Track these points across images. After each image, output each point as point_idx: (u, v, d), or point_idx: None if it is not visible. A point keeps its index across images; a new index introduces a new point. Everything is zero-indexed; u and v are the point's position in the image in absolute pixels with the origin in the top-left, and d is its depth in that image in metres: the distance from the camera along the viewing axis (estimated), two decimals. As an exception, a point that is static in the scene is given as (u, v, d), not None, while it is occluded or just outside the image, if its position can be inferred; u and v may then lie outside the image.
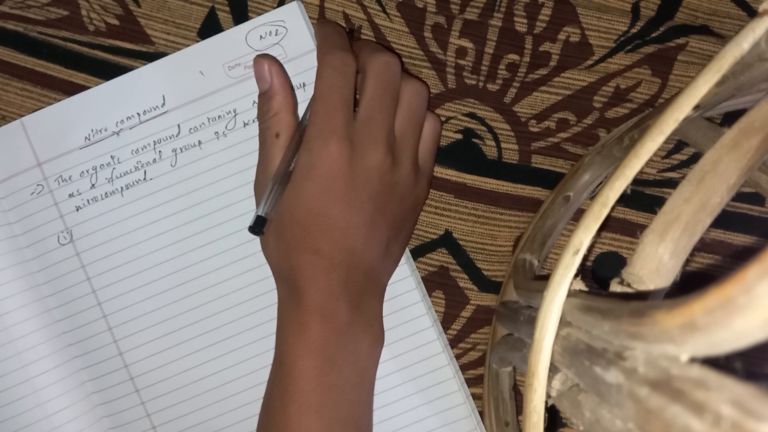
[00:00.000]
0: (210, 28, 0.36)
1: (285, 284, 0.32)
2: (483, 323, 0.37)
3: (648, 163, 0.25)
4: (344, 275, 0.31)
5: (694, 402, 0.12)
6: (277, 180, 0.31)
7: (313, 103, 0.31)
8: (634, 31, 0.37)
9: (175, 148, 0.35)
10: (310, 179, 0.30)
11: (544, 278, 0.23)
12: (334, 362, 0.30)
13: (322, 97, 0.31)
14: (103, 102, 0.35)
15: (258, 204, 0.32)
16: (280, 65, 0.33)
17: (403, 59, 0.36)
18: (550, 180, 0.37)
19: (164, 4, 0.36)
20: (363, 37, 0.36)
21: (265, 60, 0.33)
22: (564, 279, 0.19)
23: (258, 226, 0.31)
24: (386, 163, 0.31)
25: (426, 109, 0.34)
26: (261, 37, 0.35)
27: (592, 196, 0.35)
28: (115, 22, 0.36)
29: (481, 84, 0.36)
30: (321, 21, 0.35)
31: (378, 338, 0.33)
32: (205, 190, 0.35)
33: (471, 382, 0.36)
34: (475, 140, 0.37)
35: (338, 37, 0.33)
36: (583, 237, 0.18)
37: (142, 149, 0.35)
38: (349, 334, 0.31)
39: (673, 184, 0.37)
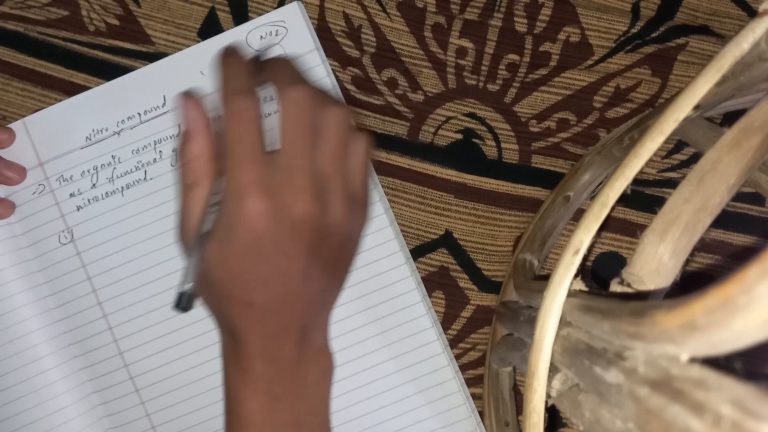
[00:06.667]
0: (210, 28, 0.36)
1: (224, 330, 0.31)
2: (483, 323, 0.37)
3: (648, 163, 0.25)
4: (281, 321, 0.30)
5: (694, 402, 0.12)
6: (194, 248, 0.29)
7: (224, 158, 0.29)
8: (634, 31, 0.37)
9: (175, 148, 0.35)
10: (231, 243, 0.28)
11: (544, 278, 0.23)
12: (281, 400, 0.30)
13: (228, 152, 0.28)
14: (103, 102, 0.35)
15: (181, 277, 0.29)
16: (204, 105, 0.30)
17: (404, 59, 0.36)
18: (550, 180, 0.37)
19: (164, 4, 0.36)
20: (363, 36, 0.36)
21: (186, 99, 0.30)
22: (564, 279, 0.19)
23: (184, 302, 0.28)
24: (314, 210, 0.28)
25: (349, 133, 0.31)
26: (261, 37, 0.35)
27: (592, 196, 0.35)
28: (116, 22, 0.36)
29: (481, 84, 0.37)
30: (220, 55, 0.31)
31: (327, 367, 0.33)
32: (206, 190, 0.35)
33: (471, 382, 0.36)
34: (475, 140, 0.37)
35: (235, 77, 0.30)
36: (583, 237, 0.18)
37: (143, 149, 0.35)
38: (296, 371, 0.31)
39: (673, 184, 0.37)
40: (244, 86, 0.29)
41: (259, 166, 0.28)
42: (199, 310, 0.35)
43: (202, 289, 0.31)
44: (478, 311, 0.37)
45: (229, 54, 0.32)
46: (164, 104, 0.35)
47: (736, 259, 0.37)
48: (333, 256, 0.31)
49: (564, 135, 0.37)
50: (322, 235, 0.29)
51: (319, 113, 0.29)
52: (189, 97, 0.31)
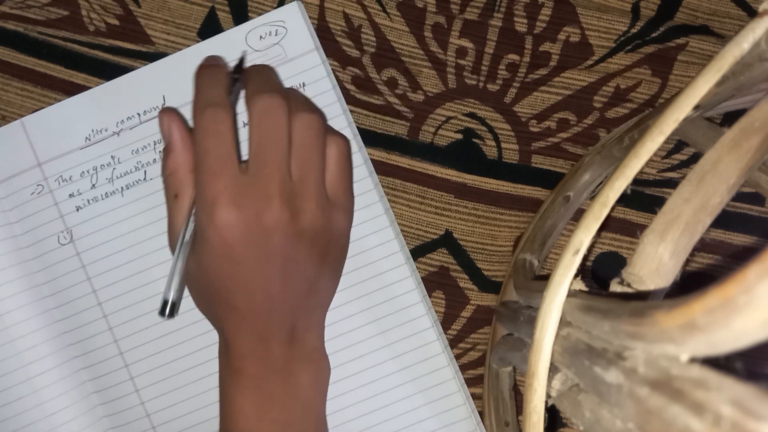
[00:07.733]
0: (210, 28, 0.36)
1: (218, 331, 0.33)
2: (483, 323, 0.37)
3: (648, 163, 0.25)
4: (267, 321, 0.30)
5: (694, 402, 0.12)
6: (177, 257, 0.30)
7: (196, 170, 0.30)
8: (634, 31, 0.37)
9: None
10: (205, 252, 0.29)
11: (544, 278, 0.23)
12: (273, 398, 0.31)
13: (198, 164, 0.29)
14: (103, 102, 0.35)
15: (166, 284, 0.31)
16: (182, 119, 0.32)
17: (404, 59, 0.36)
18: (550, 180, 0.37)
19: (164, 4, 0.36)
20: (363, 36, 0.36)
21: (165, 114, 0.31)
22: (564, 279, 0.19)
23: (168, 310, 0.30)
24: (283, 217, 0.29)
25: (322, 139, 0.31)
26: (261, 37, 0.35)
27: (592, 196, 0.35)
28: (115, 22, 0.36)
29: (481, 84, 0.37)
30: (199, 66, 0.32)
31: (320, 368, 0.33)
32: (205, 190, 0.35)
33: (471, 382, 0.36)
34: (475, 140, 0.37)
35: (208, 89, 0.30)
36: (583, 237, 0.18)
37: (143, 149, 0.35)
38: (287, 371, 0.31)
39: (673, 184, 0.37)
40: (216, 98, 0.30)
41: (228, 176, 0.29)
42: (196, 312, 0.35)
43: (192, 293, 0.32)
44: (478, 311, 0.37)
45: (206, 65, 0.33)
46: (164, 104, 0.35)
47: (736, 259, 0.37)
48: (314, 259, 0.31)
49: (564, 135, 0.37)
50: (296, 240, 0.30)
51: (291, 120, 0.30)
52: (167, 111, 0.32)
